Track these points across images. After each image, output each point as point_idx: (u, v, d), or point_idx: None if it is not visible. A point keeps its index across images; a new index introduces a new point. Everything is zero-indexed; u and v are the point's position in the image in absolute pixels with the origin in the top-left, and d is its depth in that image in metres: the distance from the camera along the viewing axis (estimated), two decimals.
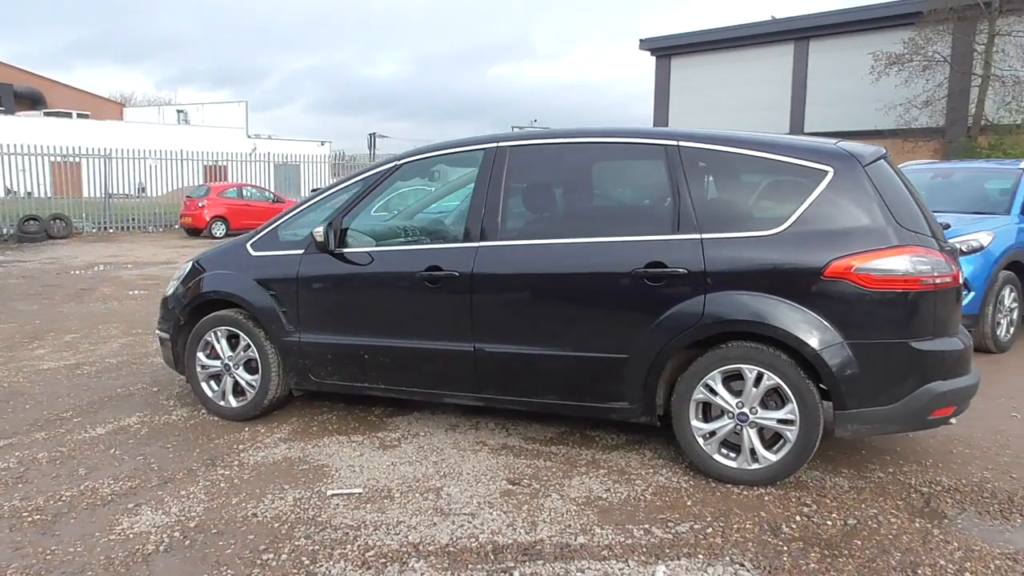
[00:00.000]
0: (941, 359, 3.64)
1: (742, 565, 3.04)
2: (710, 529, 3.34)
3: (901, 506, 3.62)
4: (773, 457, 3.73)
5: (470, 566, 3.03)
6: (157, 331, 5.24)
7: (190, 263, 5.09)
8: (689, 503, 3.62)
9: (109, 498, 3.70)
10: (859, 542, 3.25)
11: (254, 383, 4.74)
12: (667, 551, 3.14)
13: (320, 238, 4.37)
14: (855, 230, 3.63)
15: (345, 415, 4.93)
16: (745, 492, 3.73)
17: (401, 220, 5.14)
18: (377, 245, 4.48)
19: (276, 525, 3.40)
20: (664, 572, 2.97)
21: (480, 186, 4.27)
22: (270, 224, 4.83)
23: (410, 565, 3.04)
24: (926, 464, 4.14)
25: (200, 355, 4.88)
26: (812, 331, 3.58)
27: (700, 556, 3.11)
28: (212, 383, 4.91)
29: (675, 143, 3.96)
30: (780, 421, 3.70)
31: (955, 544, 3.24)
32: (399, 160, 4.59)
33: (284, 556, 3.12)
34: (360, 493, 3.73)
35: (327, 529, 3.35)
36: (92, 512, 3.55)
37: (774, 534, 3.31)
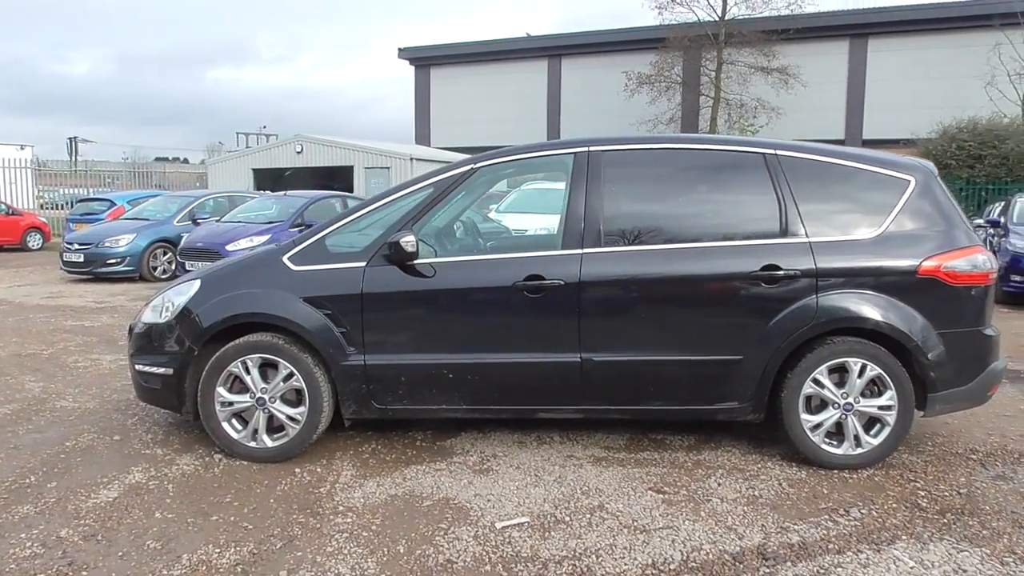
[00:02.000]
0: (997, 343, 4.22)
1: (948, 540, 3.30)
2: (875, 513, 3.58)
3: (972, 473, 4.12)
4: (875, 441, 4.07)
5: None
6: (139, 367, 4.35)
7: (197, 282, 4.30)
8: (826, 491, 3.83)
9: (240, 570, 3.05)
10: (986, 507, 3.67)
11: (298, 416, 4.14)
12: (873, 536, 3.32)
13: (411, 248, 3.94)
14: (936, 233, 4.09)
15: (389, 444, 4.48)
16: (854, 475, 4.02)
17: (471, 229, 4.77)
18: (460, 255, 4.14)
19: (487, 568, 3.05)
20: (905, 556, 3.14)
21: (575, 191, 4.14)
22: (311, 234, 4.24)
23: None
24: (948, 435, 4.74)
25: (220, 390, 4.16)
26: (912, 325, 3.97)
27: (904, 537, 3.32)
28: (234, 422, 4.21)
29: (773, 151, 4.16)
30: (881, 408, 4.04)
31: None
32: (475, 163, 4.28)
33: None
34: (528, 522, 3.45)
35: (549, 564, 3.07)
36: None
37: (921, 510, 3.63)
